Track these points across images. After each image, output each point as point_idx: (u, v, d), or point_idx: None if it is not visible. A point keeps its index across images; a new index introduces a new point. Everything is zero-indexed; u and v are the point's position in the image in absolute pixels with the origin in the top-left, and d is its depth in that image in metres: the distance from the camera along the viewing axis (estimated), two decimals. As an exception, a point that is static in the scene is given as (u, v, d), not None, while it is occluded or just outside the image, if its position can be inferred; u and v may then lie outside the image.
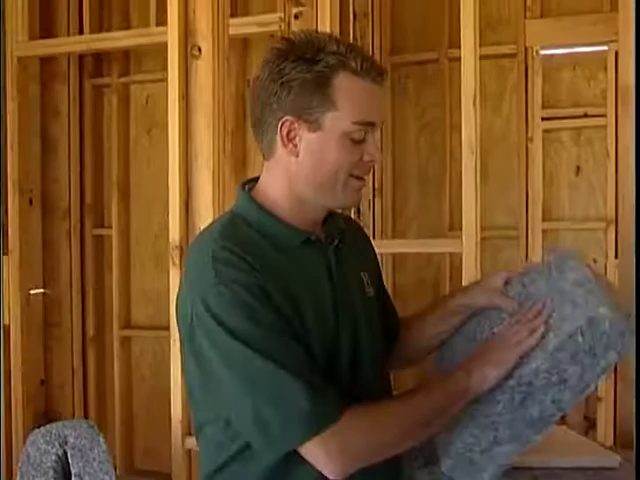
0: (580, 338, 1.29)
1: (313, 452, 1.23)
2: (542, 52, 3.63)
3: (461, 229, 3.75)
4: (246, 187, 1.43)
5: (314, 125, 1.31)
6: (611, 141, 3.56)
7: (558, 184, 3.73)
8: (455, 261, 3.80)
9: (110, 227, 4.15)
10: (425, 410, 1.31)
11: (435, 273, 3.82)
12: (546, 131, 3.68)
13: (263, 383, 1.22)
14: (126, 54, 4.14)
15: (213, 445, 1.36)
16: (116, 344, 4.13)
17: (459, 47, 3.59)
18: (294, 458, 1.25)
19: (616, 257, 3.56)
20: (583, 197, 3.71)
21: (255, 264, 1.26)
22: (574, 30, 3.55)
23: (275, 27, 3.45)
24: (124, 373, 4.16)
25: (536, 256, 3.67)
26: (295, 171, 1.34)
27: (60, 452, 2.19)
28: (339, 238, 1.44)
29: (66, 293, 4.11)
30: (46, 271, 4.07)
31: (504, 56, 3.67)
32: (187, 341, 1.30)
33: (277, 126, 1.33)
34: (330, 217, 1.47)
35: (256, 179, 1.44)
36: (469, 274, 2.17)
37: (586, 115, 3.65)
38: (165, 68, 3.92)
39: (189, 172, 2.38)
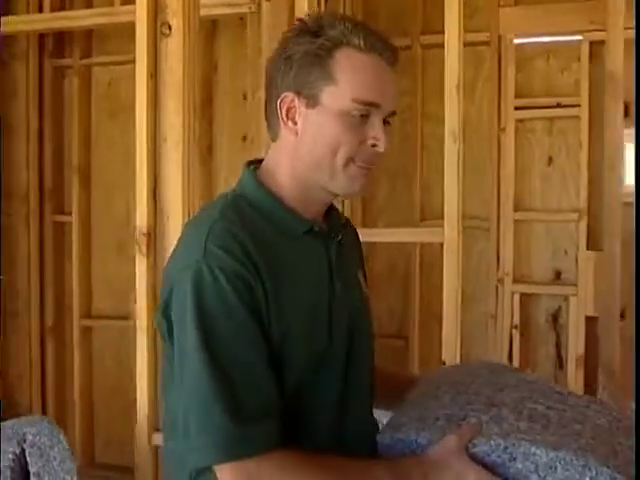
0: None
1: (224, 475, 1.14)
2: (516, 41, 3.58)
3: (433, 219, 3.74)
4: (251, 168, 1.36)
5: (312, 100, 1.24)
6: (584, 132, 3.53)
7: (530, 174, 3.69)
8: (426, 252, 3.76)
9: (70, 213, 4.02)
10: None
11: (406, 263, 3.77)
12: (519, 121, 3.64)
13: (199, 394, 1.14)
14: (88, 34, 4.01)
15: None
16: (76, 334, 4.01)
17: (433, 33, 3.58)
18: None
19: (587, 248, 3.55)
20: (555, 188, 3.68)
21: (253, 252, 1.18)
22: (548, 19, 3.50)
23: (245, 9, 3.36)
24: (84, 364, 4.04)
25: (507, 247, 3.64)
26: (295, 151, 1.27)
27: (18, 450, 2.09)
28: (342, 233, 1.38)
29: (24, 281, 3.97)
30: (3, 257, 3.93)
31: (478, 44, 3.61)
32: (161, 317, 1.23)
33: (277, 104, 1.27)
34: (332, 211, 1.40)
35: (260, 160, 1.36)
36: (450, 264, 2.10)
37: (559, 105, 3.61)
38: (130, 50, 3.85)
39: (157, 156, 2.27)
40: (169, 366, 1.24)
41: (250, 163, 1.37)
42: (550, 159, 3.67)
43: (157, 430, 2.28)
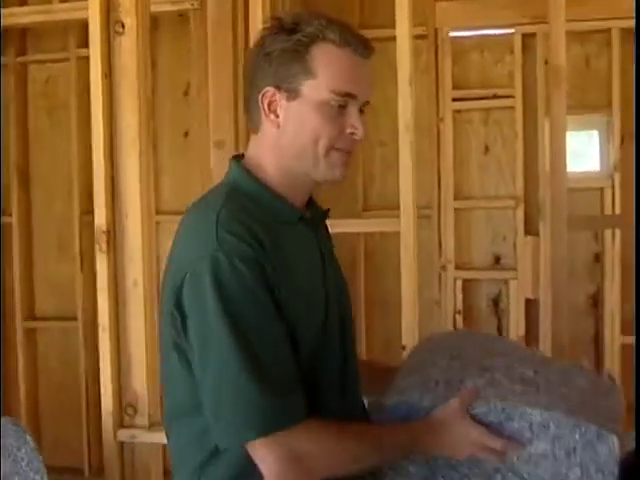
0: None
1: (261, 451, 1.20)
2: (451, 34, 3.69)
3: (375, 209, 3.83)
4: (238, 161, 1.40)
5: (293, 94, 1.30)
6: (518, 122, 3.68)
7: (468, 164, 3.82)
8: (369, 242, 3.85)
9: (10, 214, 3.95)
10: (378, 448, 1.30)
11: (349, 253, 3.84)
12: (456, 112, 3.75)
13: (229, 374, 1.19)
14: (23, 32, 3.94)
15: (193, 437, 1.30)
16: (20, 336, 3.95)
17: (370, 28, 3.66)
18: None
19: (525, 234, 3.70)
20: (492, 176, 3.81)
21: (260, 236, 1.23)
22: (482, 13, 3.62)
23: (187, 5, 3.37)
24: (29, 366, 3.99)
25: (449, 234, 3.76)
26: (279, 142, 1.33)
27: (-16, 453, 2.08)
28: (325, 219, 1.46)
29: (-36, 284, 3.90)
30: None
31: (415, 38, 3.67)
32: (172, 308, 1.25)
33: (259, 99, 1.32)
34: (312, 200, 1.46)
35: (242, 155, 1.42)
36: (407, 253, 2.18)
37: (495, 96, 3.74)
38: (67, 47, 3.82)
39: (114, 155, 2.27)
40: (178, 355, 1.27)
41: (234, 157, 1.42)
42: (487, 148, 3.80)
43: (122, 426, 2.29)
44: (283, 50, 1.29)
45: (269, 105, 1.32)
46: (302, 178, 1.36)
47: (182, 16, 3.66)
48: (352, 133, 1.32)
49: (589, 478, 1.27)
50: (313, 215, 1.42)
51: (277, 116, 1.32)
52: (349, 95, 1.30)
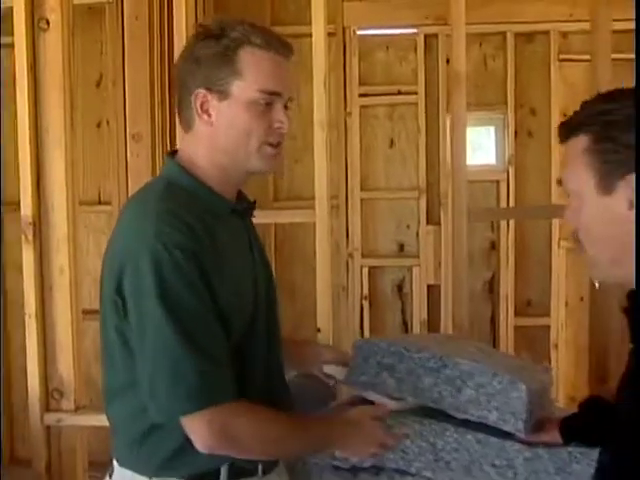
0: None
1: (195, 424, 1.31)
2: (359, 32, 3.87)
3: (283, 200, 3.98)
4: (173, 157, 1.50)
5: (223, 94, 1.42)
6: (421, 117, 3.90)
7: (374, 156, 4.01)
8: (279, 232, 3.99)
9: None
10: (300, 438, 1.46)
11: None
12: (363, 107, 3.94)
13: (166, 352, 1.30)
14: None
15: (133, 410, 1.40)
16: None
17: (282, 25, 3.80)
18: None
19: (427, 223, 3.92)
20: (397, 168, 4.02)
21: (196, 229, 1.34)
22: (387, 13, 3.81)
23: (104, -1, 3.43)
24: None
25: (355, 223, 3.94)
26: (212, 140, 1.44)
27: None
28: (253, 210, 1.57)
29: None
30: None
31: (324, 35, 3.85)
32: (113, 294, 1.35)
33: (192, 100, 1.43)
34: (240, 191, 1.56)
35: (175, 151, 1.52)
36: (322, 242, 2.31)
37: (400, 92, 3.94)
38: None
39: (39, 147, 2.33)
40: (118, 336, 1.37)
41: (169, 154, 1.53)
42: (392, 142, 4.01)
43: (48, 410, 2.36)
44: (212, 54, 1.41)
45: (201, 105, 1.42)
46: (234, 172, 1.46)
47: (91, 9, 3.71)
48: (279, 127, 1.44)
49: (504, 420, 1.55)
50: (243, 207, 1.54)
51: (209, 116, 1.42)
52: (275, 93, 1.43)
